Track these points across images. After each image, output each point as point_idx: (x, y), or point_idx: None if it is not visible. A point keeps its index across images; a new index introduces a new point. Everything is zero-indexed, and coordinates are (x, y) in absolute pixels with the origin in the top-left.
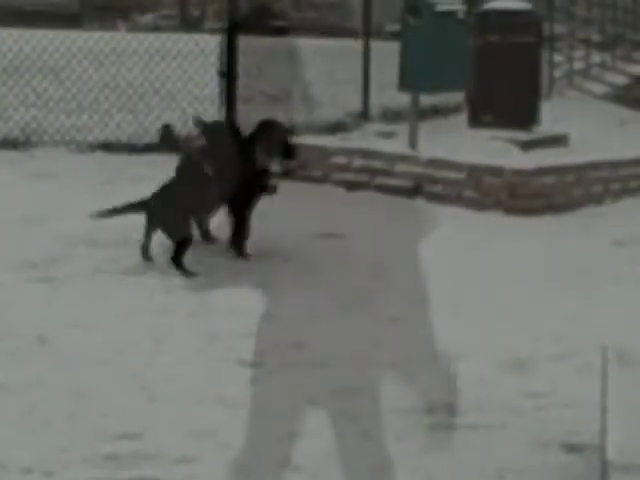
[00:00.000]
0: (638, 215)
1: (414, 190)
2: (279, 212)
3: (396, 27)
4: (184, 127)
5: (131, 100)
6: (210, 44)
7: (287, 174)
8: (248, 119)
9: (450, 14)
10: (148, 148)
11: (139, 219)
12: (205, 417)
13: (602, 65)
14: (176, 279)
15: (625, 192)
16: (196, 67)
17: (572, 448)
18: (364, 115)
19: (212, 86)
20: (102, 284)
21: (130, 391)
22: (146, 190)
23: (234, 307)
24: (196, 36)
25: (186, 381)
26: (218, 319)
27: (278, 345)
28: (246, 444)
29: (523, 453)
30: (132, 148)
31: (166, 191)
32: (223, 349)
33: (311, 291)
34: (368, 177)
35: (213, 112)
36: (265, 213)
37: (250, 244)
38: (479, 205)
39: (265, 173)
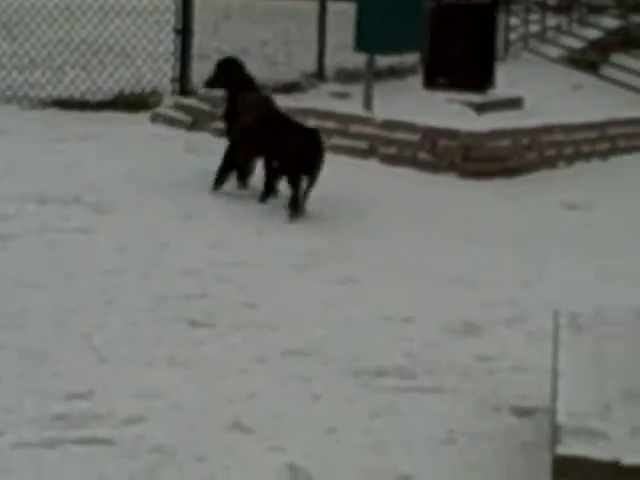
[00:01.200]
0: (590, 179)
1: (368, 151)
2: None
3: None
4: (137, 85)
5: (84, 57)
6: (165, 1)
7: None
8: (202, 77)
9: None
10: (101, 105)
11: (92, 178)
12: (155, 378)
13: (557, 29)
14: (127, 238)
15: (578, 156)
16: (151, 24)
17: (522, 412)
18: (319, 75)
19: (167, 43)
20: (52, 242)
21: (80, 352)
22: (98, 147)
23: (185, 268)
24: None
25: (136, 342)
26: (169, 280)
27: (229, 306)
28: (196, 405)
29: (473, 416)
30: (85, 105)
31: None
32: (174, 310)
33: (264, 252)
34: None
35: (167, 69)
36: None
37: (204, 204)
38: (434, 167)
39: None
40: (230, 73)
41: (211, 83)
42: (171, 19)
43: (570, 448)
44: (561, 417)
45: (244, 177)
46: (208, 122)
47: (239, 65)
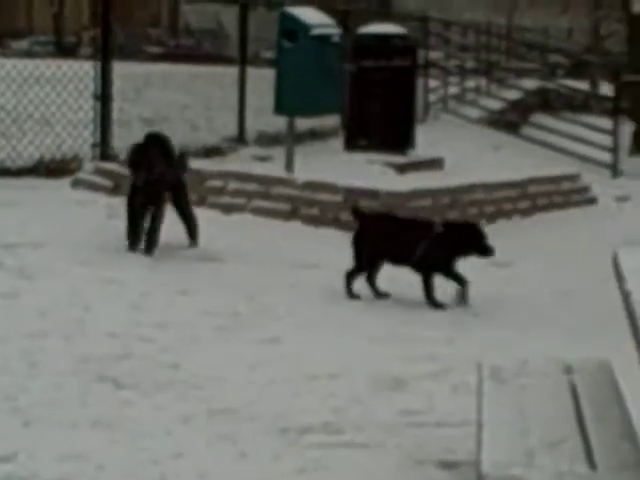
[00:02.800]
0: (511, 237)
1: (290, 213)
2: None
3: (272, 54)
4: (58, 151)
5: (4, 124)
6: (85, 68)
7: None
8: (123, 142)
9: (325, 38)
10: (21, 172)
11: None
12: (80, 440)
13: (477, 90)
14: (50, 302)
15: (499, 214)
16: (70, 91)
17: (448, 465)
18: (240, 139)
19: (87, 109)
20: None
21: (4, 415)
22: (19, 213)
23: (109, 329)
24: (71, 61)
25: (61, 404)
26: (93, 342)
27: (153, 367)
28: (121, 466)
29: (400, 471)
30: (5, 172)
31: None
32: (98, 371)
33: (187, 313)
34: (244, 200)
35: (87, 135)
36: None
37: (127, 267)
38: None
39: None
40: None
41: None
42: (90, 85)
43: None
44: (486, 467)
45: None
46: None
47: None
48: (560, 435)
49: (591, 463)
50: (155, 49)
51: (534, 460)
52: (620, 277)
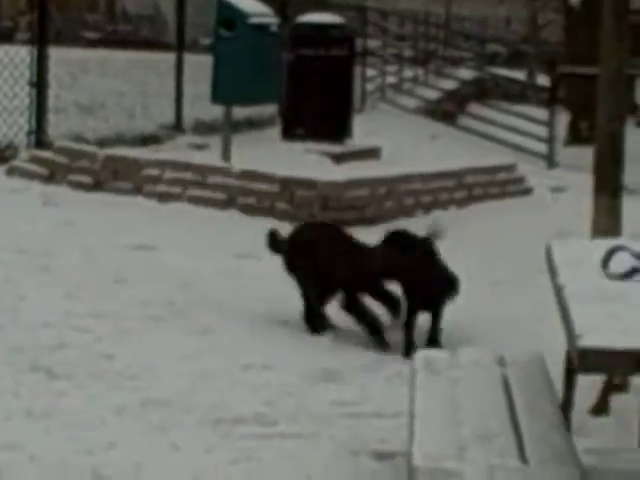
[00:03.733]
0: (448, 227)
1: (227, 202)
2: (90, 223)
3: (210, 40)
4: None
5: None
6: (21, 54)
7: (97, 186)
8: (59, 129)
9: (263, 27)
10: None
11: None
12: (13, 430)
13: (414, 80)
14: None
15: (435, 204)
16: (5, 77)
17: (381, 456)
18: (177, 127)
19: (22, 96)
20: None
21: None
22: None
23: (43, 319)
24: (7, 47)
25: None
26: (27, 332)
27: (87, 357)
28: (55, 456)
29: (332, 462)
30: None
31: None
32: (31, 361)
33: (122, 303)
34: (181, 189)
35: (22, 123)
36: (75, 222)
37: (62, 256)
38: (292, 217)
39: None
40: None
41: None
42: (26, 72)
43: None
44: (417, 459)
45: None
46: (65, 174)
47: None
48: (492, 428)
49: (522, 457)
50: (92, 34)
51: (466, 453)
52: (552, 270)
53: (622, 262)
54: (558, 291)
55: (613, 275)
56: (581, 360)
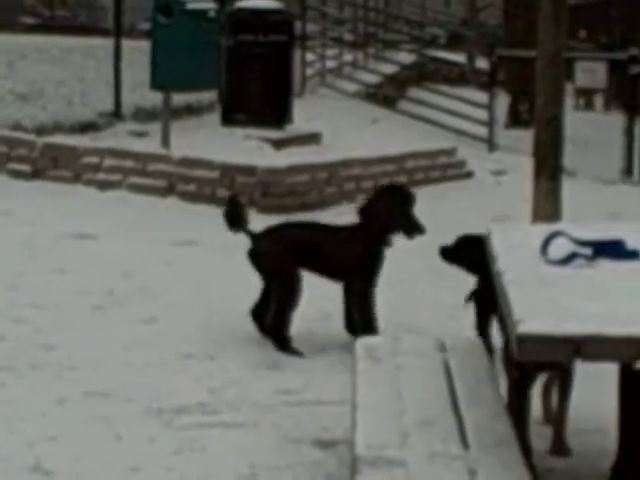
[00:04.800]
0: None
1: (167, 189)
2: (29, 212)
3: (149, 25)
4: None
5: None
6: None
7: (36, 174)
8: None
9: (201, 13)
10: None
11: None
12: None
13: (354, 64)
14: None
15: None
16: None
17: (324, 444)
18: (116, 114)
19: None
20: None
21: None
22: None
23: None
24: None
25: None
26: None
27: (27, 348)
28: None
29: (276, 450)
30: None
31: None
32: None
33: (63, 293)
34: (120, 177)
35: None
36: (14, 212)
37: (2, 245)
38: None
39: None
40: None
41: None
42: None
43: (368, 478)
44: (360, 448)
45: None
46: (3, 163)
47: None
48: (434, 415)
49: (464, 442)
50: (30, 20)
51: (408, 440)
52: (491, 257)
53: (561, 247)
54: (497, 277)
55: (552, 261)
56: (520, 346)
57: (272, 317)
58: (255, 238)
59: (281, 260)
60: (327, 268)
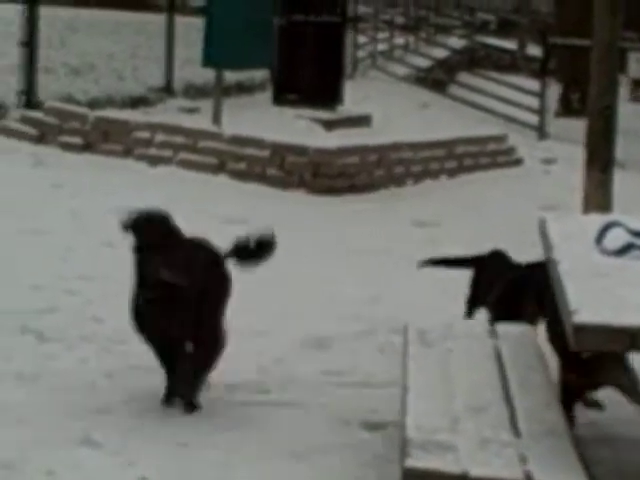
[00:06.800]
0: (438, 197)
1: (218, 167)
2: (79, 186)
3: (200, 2)
4: None
5: None
6: (10, 13)
7: (87, 147)
8: (49, 90)
9: None
10: None
11: None
12: (3, 393)
13: (405, 47)
14: None
15: (426, 174)
16: None
17: (373, 426)
18: (167, 90)
19: (12, 56)
20: None
21: None
22: None
23: (33, 282)
24: None
25: None
26: (17, 294)
27: (77, 320)
28: (44, 419)
29: (324, 430)
30: None
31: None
32: (22, 324)
33: (110, 265)
34: (171, 153)
35: (13, 82)
36: (65, 184)
37: (52, 218)
38: (283, 183)
39: None
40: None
41: None
42: (16, 32)
43: (419, 461)
44: (410, 431)
45: None
46: (55, 135)
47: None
48: (485, 401)
49: (515, 430)
50: None
51: (458, 426)
52: (547, 245)
53: (616, 238)
54: (553, 266)
55: (607, 251)
56: (576, 336)
57: None
58: None
59: None
60: None
